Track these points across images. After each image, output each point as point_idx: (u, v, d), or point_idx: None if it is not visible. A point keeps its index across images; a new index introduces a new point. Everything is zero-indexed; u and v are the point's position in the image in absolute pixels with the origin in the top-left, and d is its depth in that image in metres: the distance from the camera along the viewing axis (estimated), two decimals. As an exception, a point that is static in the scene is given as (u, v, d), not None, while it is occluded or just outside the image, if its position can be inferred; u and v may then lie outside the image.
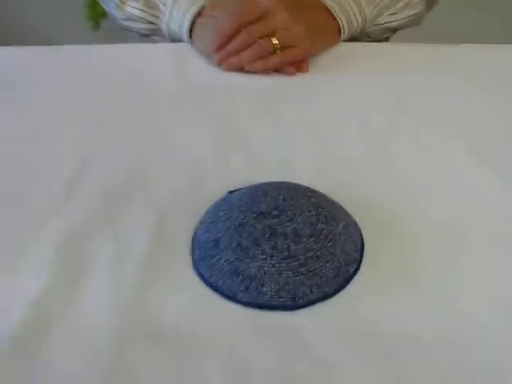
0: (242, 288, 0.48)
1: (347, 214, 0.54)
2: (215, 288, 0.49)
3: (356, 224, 0.54)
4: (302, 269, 0.48)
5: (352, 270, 0.50)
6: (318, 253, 0.49)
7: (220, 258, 0.50)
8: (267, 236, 0.49)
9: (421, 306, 0.48)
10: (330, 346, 0.46)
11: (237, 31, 0.79)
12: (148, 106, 0.74)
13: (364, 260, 0.52)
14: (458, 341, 0.45)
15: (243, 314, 0.48)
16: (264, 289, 0.48)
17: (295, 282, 0.48)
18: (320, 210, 0.52)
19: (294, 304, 0.48)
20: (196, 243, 0.53)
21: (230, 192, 0.57)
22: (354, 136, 0.69)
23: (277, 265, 0.48)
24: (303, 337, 0.45)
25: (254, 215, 0.51)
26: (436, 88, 0.76)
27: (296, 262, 0.48)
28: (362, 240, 0.53)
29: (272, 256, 0.48)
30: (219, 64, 0.83)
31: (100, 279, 0.51)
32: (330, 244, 0.50)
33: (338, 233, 0.51)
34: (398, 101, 0.74)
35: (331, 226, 0.51)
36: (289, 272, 0.48)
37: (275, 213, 0.51)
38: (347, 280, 0.49)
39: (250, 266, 0.48)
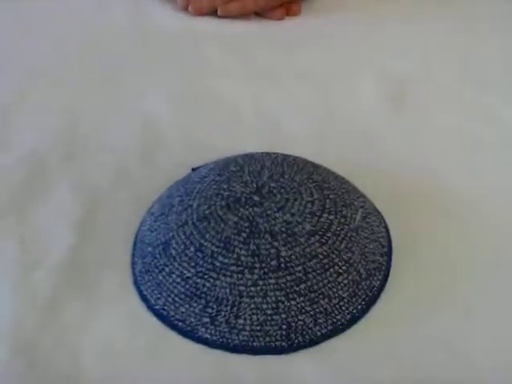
0: (205, 320, 0.30)
1: (365, 198, 0.36)
2: (164, 318, 0.31)
3: (378, 212, 0.36)
4: (301, 287, 0.30)
5: (377, 284, 0.33)
6: (326, 260, 0.31)
7: (171, 272, 0.32)
8: (244, 235, 0.31)
9: (477, 333, 0.31)
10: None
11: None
12: (95, 55, 0.56)
13: (393, 267, 0.34)
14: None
15: (207, 358, 0.30)
16: (240, 321, 0.30)
17: (290, 310, 0.30)
18: (326, 192, 0.34)
19: (288, 345, 0.30)
20: (138, 247, 0.35)
21: (194, 169, 0.39)
22: (365, 88, 0.50)
23: (260, 282, 0.30)
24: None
25: (224, 203, 0.33)
26: (461, 31, 0.58)
27: (290, 277, 0.30)
28: (389, 236, 0.35)
29: (252, 268, 0.30)
30: (186, 7, 0.63)
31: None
32: (343, 246, 0.32)
33: (354, 228, 0.33)
34: (416, 47, 0.56)
35: (344, 216, 0.33)
36: (279, 293, 0.30)
37: (257, 198, 0.33)
38: (370, 301, 0.32)
39: (217, 283, 0.31)
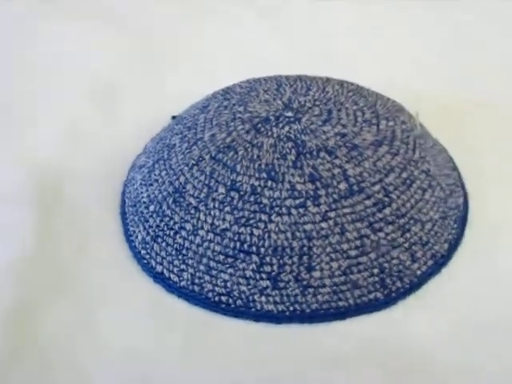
0: (263, 284, 0.21)
1: (411, 116, 0.29)
2: (196, 298, 0.21)
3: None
4: (386, 212, 0.22)
5: (461, 202, 0.25)
6: (405, 174, 0.23)
7: (195, 228, 0.22)
8: (292, 158, 0.22)
9: None
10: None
11: None
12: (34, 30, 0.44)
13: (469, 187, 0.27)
14: None
15: (272, 339, 0.21)
16: (315, 275, 0.21)
17: (379, 245, 0.21)
18: (370, 98, 0.26)
19: (385, 296, 0.21)
20: (132, 213, 0.24)
21: (175, 117, 0.29)
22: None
23: (331, 214, 0.21)
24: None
25: (249, 126, 0.24)
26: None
27: (370, 201, 0.22)
28: (447, 151, 0.28)
29: (316, 197, 0.21)
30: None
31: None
32: (417, 155, 0.24)
33: (420, 135, 0.25)
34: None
35: (404, 122, 0.25)
36: (361, 224, 0.21)
37: (290, 114, 0.24)
38: (461, 223, 0.24)
39: (272, 228, 0.21)
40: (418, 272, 0.22)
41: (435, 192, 0.24)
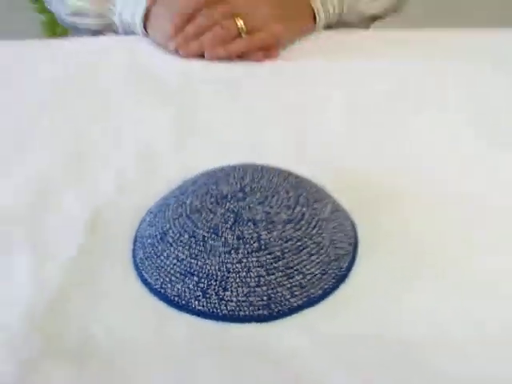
0: (198, 293, 0.35)
1: (333, 198, 0.42)
2: (162, 295, 0.36)
3: (345, 211, 0.42)
4: (279, 264, 0.36)
5: (345, 266, 0.38)
6: (299, 243, 0.37)
7: (168, 256, 0.37)
8: (230, 223, 0.37)
9: (434, 309, 0.36)
10: (320, 368, 0.33)
11: (197, 12, 0.68)
12: (95, 99, 0.63)
13: (359, 254, 0.40)
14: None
15: (200, 327, 0.35)
16: (227, 294, 0.35)
17: (270, 283, 0.35)
18: (300, 191, 0.40)
19: (269, 314, 0.35)
20: (139, 241, 0.40)
21: (186, 181, 0.45)
22: (337, 118, 0.57)
23: (244, 260, 0.36)
24: (283, 356, 0.34)
25: (213, 199, 0.38)
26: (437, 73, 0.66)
27: (270, 256, 0.36)
28: (355, 230, 0.41)
29: (238, 248, 0.36)
30: (177, 49, 0.71)
31: (15, 289, 0.38)
32: (314, 231, 0.38)
33: (324, 218, 0.39)
34: (387, 86, 0.64)
35: (314, 209, 0.39)
36: (260, 269, 0.35)
37: (240, 195, 0.39)
38: (339, 280, 0.37)
39: (208, 262, 0.36)
40: (295, 304, 0.35)
41: (320, 257, 0.37)
